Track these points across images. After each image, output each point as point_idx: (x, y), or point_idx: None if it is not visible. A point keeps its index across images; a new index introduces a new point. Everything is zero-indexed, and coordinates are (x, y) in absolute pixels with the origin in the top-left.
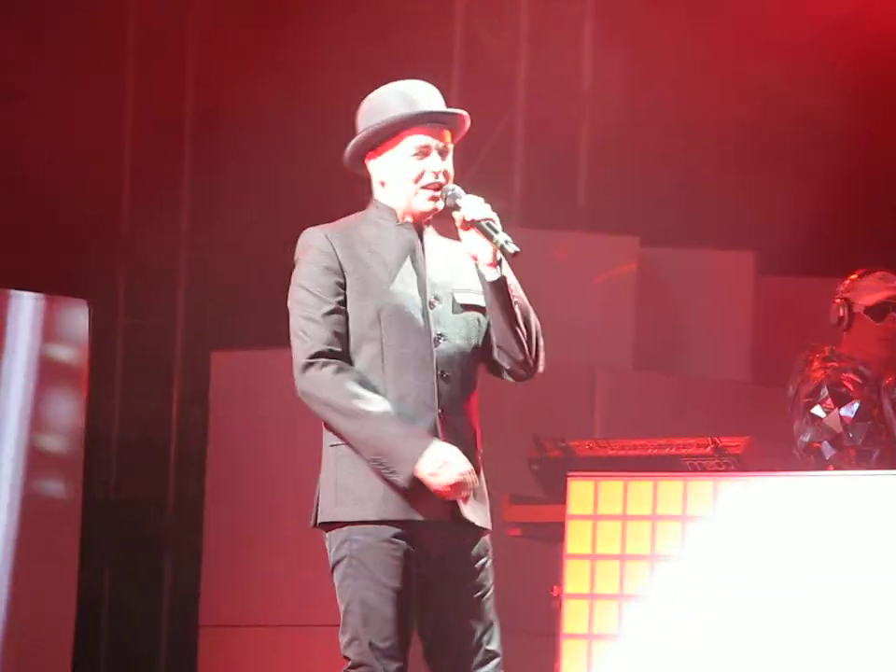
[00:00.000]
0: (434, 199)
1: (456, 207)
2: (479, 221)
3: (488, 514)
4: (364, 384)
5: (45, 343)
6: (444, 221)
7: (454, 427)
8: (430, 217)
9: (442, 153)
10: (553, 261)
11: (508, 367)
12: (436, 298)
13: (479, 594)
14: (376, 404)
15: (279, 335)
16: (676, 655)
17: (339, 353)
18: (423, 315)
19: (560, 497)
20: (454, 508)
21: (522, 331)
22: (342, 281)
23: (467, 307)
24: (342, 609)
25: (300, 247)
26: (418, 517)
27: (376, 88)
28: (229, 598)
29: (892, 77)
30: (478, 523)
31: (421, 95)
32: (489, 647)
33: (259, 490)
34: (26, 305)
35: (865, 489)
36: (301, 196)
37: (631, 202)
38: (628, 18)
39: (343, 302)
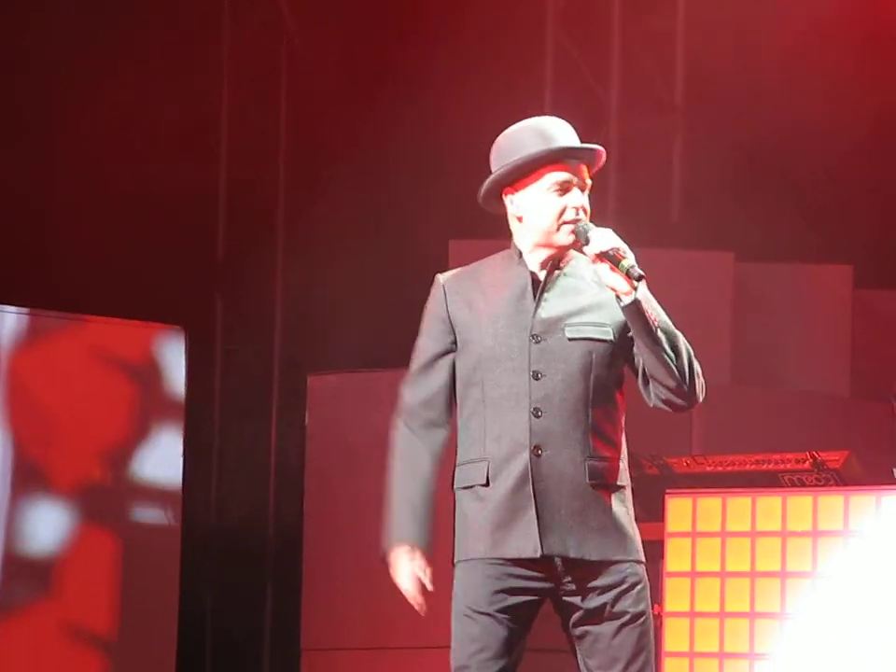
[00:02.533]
0: (573, 232)
1: (587, 242)
2: (606, 252)
3: (615, 544)
4: (425, 450)
5: (144, 371)
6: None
7: (551, 463)
8: (568, 251)
9: (581, 188)
10: (648, 279)
11: (663, 396)
12: (538, 334)
13: (616, 623)
14: (407, 476)
15: (374, 358)
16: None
17: (423, 409)
18: (521, 354)
19: (658, 514)
20: (536, 545)
21: (669, 356)
22: (449, 330)
23: (574, 340)
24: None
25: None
26: (507, 555)
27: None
28: (330, 621)
29: None
30: (586, 555)
31: (558, 132)
32: None
33: (357, 512)
34: (127, 333)
35: None
36: (399, 223)
37: (725, 217)
38: (722, 28)
39: (449, 352)
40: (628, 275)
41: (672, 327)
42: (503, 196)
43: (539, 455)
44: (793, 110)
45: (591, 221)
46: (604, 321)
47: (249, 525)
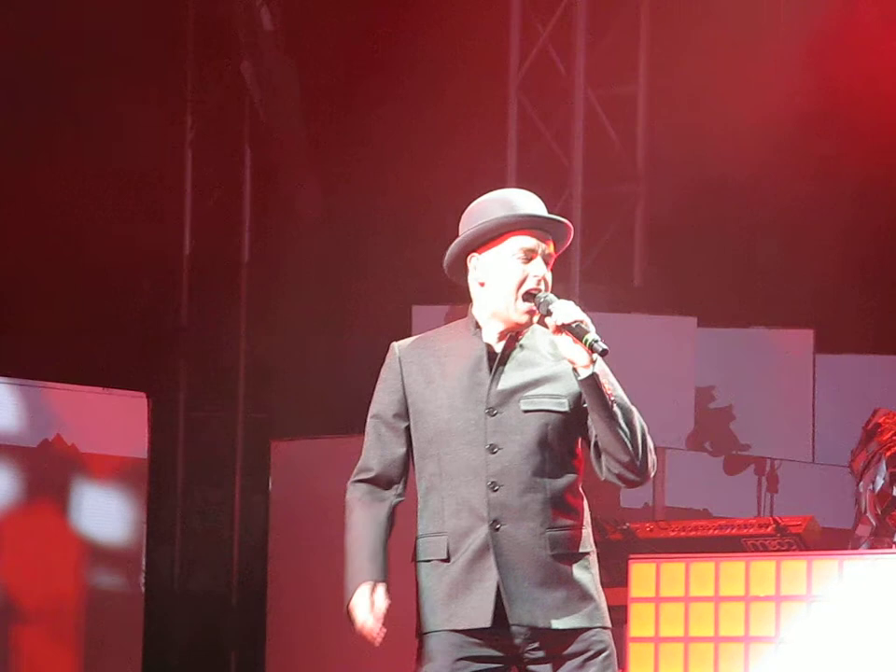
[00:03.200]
0: (531, 313)
1: (549, 313)
2: (569, 324)
3: (578, 613)
4: (381, 512)
5: (104, 436)
6: None
7: (511, 536)
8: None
9: (545, 260)
10: (612, 344)
11: (615, 471)
12: (494, 407)
13: None
14: (363, 525)
15: (337, 424)
16: None
17: (379, 469)
18: (477, 427)
19: (622, 579)
20: (498, 615)
21: (624, 431)
22: (402, 400)
23: (529, 412)
24: None
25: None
26: (459, 626)
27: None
28: None
29: None
30: (549, 624)
31: (527, 201)
32: None
33: (321, 577)
34: (85, 400)
35: None
36: (362, 289)
37: (688, 282)
38: (681, 95)
39: (402, 421)
40: (591, 349)
41: (627, 402)
42: (468, 260)
43: (497, 529)
44: (756, 178)
45: (553, 293)
46: (559, 393)
47: (213, 593)
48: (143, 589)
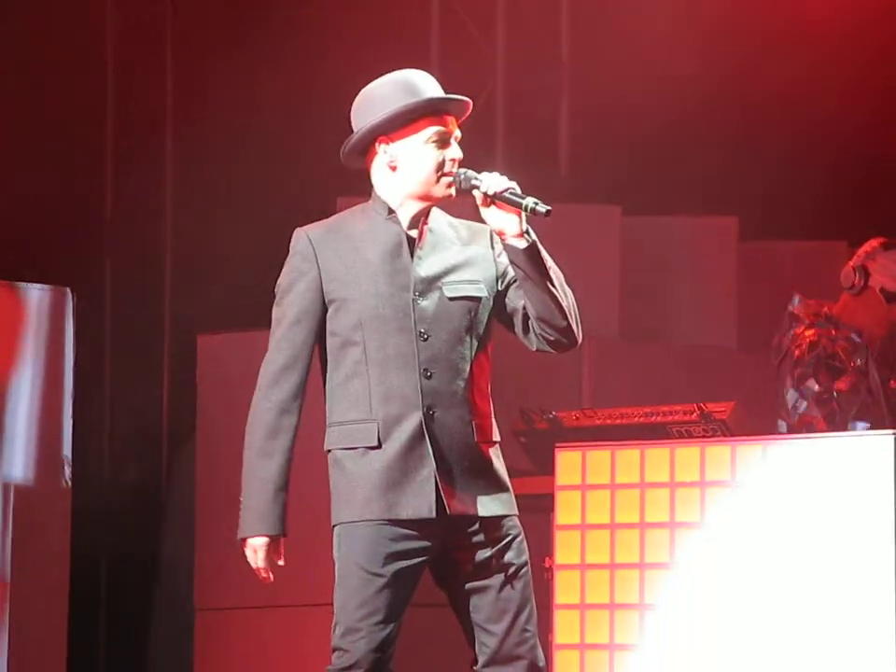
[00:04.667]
0: (451, 185)
1: (474, 187)
2: (501, 193)
3: (500, 500)
4: (291, 422)
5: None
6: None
7: (442, 423)
8: (434, 204)
9: (456, 140)
10: (534, 231)
11: (552, 337)
12: (420, 294)
13: (501, 576)
14: (267, 454)
15: (265, 317)
16: (669, 623)
17: (284, 375)
18: (405, 314)
19: (549, 468)
20: (438, 504)
21: (562, 297)
22: (318, 287)
23: (454, 299)
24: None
25: (291, 249)
26: (402, 515)
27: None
28: (223, 580)
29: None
30: (479, 512)
31: (429, 85)
32: (527, 626)
33: None
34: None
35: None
36: (289, 181)
37: (613, 171)
38: None
39: (315, 311)
40: (534, 212)
41: (557, 268)
42: (376, 145)
43: (431, 416)
44: (680, 63)
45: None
46: (477, 278)
47: (142, 488)
48: (69, 484)
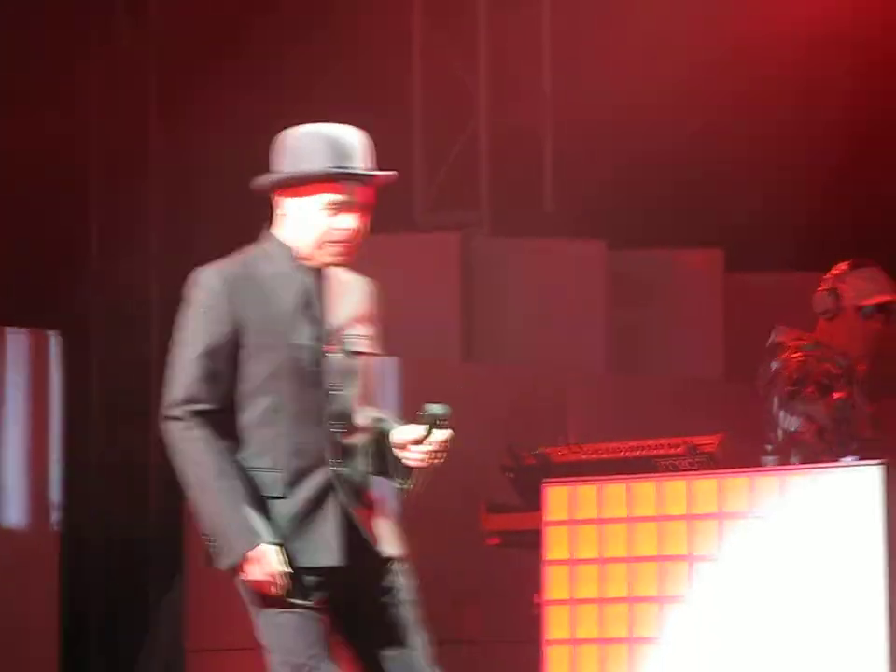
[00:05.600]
0: (340, 255)
1: (430, 429)
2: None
3: (394, 543)
4: (226, 448)
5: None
6: None
7: (346, 477)
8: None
9: (359, 209)
10: (523, 268)
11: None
12: (329, 346)
13: (404, 612)
14: (234, 483)
15: None
16: (660, 655)
17: (212, 414)
18: (318, 366)
19: (537, 504)
20: (335, 555)
21: None
22: (232, 331)
23: (354, 354)
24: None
25: (194, 287)
26: (306, 563)
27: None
28: (215, 621)
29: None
30: (378, 557)
31: (347, 149)
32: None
33: None
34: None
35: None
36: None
37: (597, 205)
38: (586, 17)
39: (229, 356)
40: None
41: None
42: (273, 194)
43: (336, 470)
44: (663, 91)
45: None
46: (369, 334)
47: (130, 532)
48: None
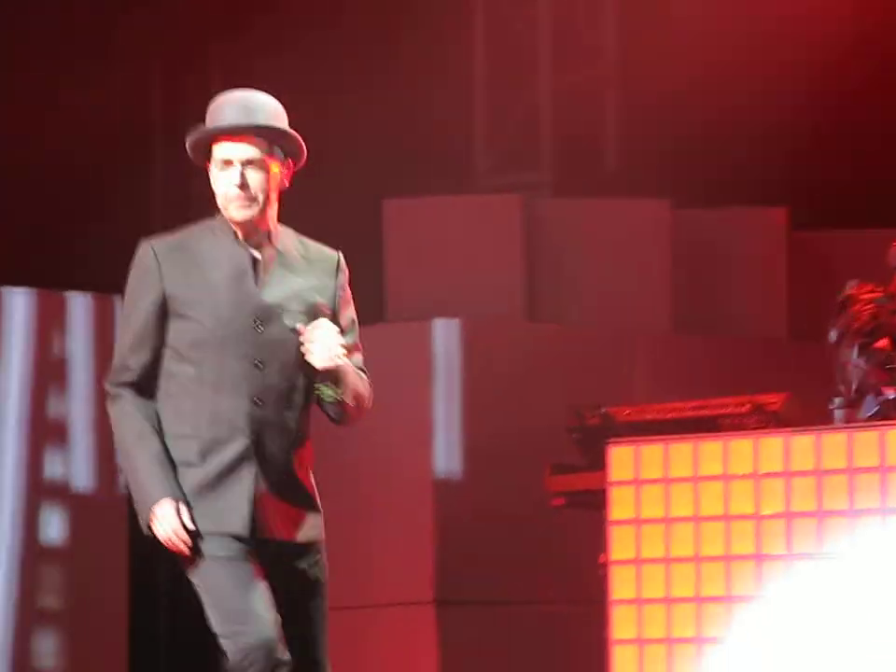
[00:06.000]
0: (239, 209)
1: (325, 382)
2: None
3: (316, 527)
4: (153, 413)
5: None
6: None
7: (265, 452)
8: (267, 226)
9: (243, 163)
10: (585, 229)
11: (330, 414)
12: (261, 321)
13: (308, 592)
14: (146, 434)
15: None
16: (726, 615)
17: (141, 373)
18: (244, 340)
19: (601, 464)
20: (252, 526)
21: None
22: (162, 302)
23: (293, 330)
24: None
25: (133, 260)
26: (214, 529)
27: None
28: None
29: None
30: (297, 539)
31: (226, 108)
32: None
33: None
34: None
35: None
36: (328, 183)
37: (660, 164)
38: None
39: (158, 325)
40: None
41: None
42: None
43: (255, 444)
44: (730, 48)
45: None
46: (311, 310)
47: None
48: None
